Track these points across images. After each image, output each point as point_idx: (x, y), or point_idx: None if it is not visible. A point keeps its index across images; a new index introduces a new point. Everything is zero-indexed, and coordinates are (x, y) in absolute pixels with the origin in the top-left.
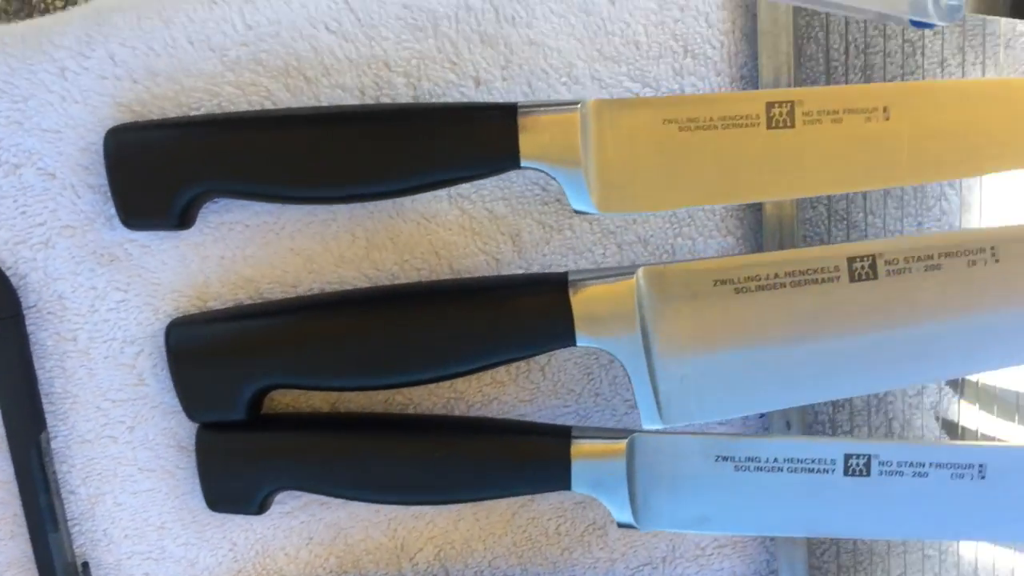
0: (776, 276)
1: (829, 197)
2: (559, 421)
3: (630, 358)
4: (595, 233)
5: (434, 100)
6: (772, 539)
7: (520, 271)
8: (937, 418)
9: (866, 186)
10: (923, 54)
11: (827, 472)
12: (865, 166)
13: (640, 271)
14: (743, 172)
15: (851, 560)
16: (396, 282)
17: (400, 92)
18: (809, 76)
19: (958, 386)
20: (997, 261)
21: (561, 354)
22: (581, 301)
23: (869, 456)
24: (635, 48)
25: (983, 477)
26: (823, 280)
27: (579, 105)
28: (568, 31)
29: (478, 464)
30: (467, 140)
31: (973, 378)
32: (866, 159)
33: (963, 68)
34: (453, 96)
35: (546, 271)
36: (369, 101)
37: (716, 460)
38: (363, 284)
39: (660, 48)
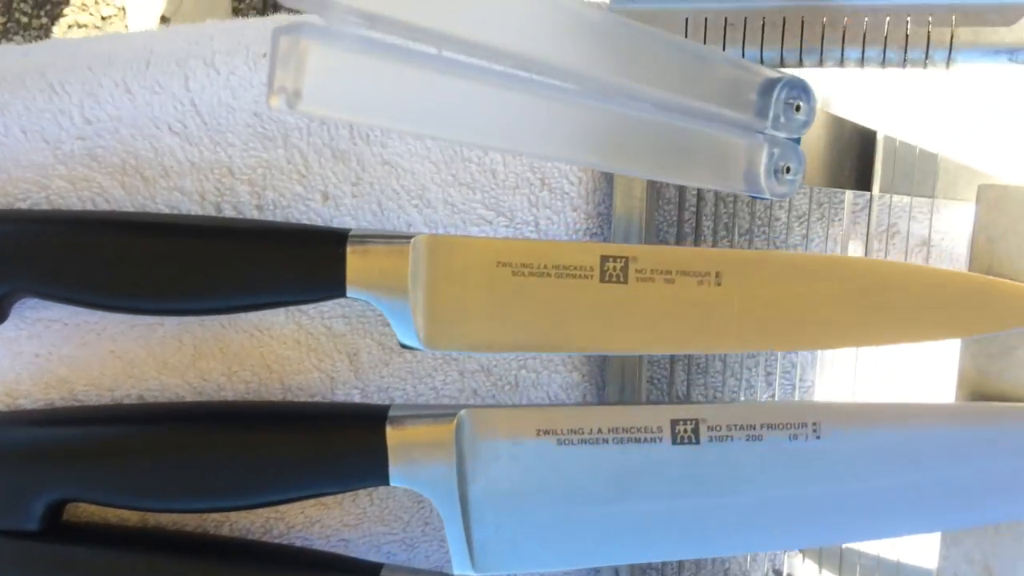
0: (599, 431)
1: (672, 369)
2: (384, 549)
3: (444, 503)
4: (436, 359)
5: (279, 210)
6: None
7: (356, 391)
8: (775, 571)
9: (695, 349)
10: (771, 214)
11: None
12: (695, 329)
13: (463, 412)
14: (573, 323)
15: None
16: (222, 393)
17: (243, 200)
18: (664, 220)
19: None
20: (818, 438)
21: None
22: (398, 439)
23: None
24: (491, 176)
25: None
26: (646, 440)
27: (412, 239)
28: (424, 154)
29: None
30: (293, 265)
31: None
32: (696, 323)
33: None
34: (299, 208)
35: (369, 403)
36: (209, 207)
37: None
38: (187, 393)
39: (517, 179)
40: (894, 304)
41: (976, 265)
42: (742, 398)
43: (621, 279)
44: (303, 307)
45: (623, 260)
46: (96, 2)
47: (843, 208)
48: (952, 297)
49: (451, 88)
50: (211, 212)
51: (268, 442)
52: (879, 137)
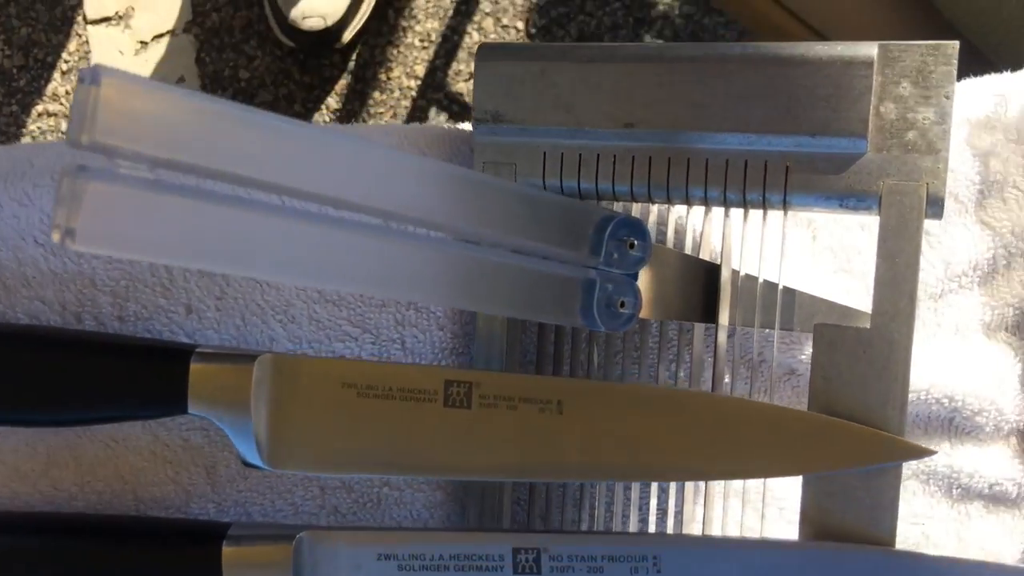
0: (441, 558)
1: (532, 495)
2: None
3: None
4: (295, 475)
5: (140, 322)
6: None
7: (212, 505)
8: None
9: (537, 478)
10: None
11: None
12: (536, 457)
13: (302, 534)
14: (418, 447)
15: None
16: (74, 503)
17: (104, 311)
18: (528, 341)
19: None
20: (659, 571)
21: None
22: (234, 559)
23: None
24: (359, 294)
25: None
26: (487, 568)
27: (257, 358)
28: (277, 283)
29: None
30: (136, 379)
31: None
32: (537, 450)
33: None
34: (161, 321)
35: (211, 520)
36: (70, 317)
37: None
38: (38, 502)
39: (384, 298)
40: (732, 440)
41: (815, 404)
42: (601, 522)
43: (465, 404)
44: (161, 419)
45: (467, 385)
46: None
47: (695, 340)
48: (790, 435)
49: (251, 225)
50: (72, 322)
51: (108, 556)
52: (724, 272)
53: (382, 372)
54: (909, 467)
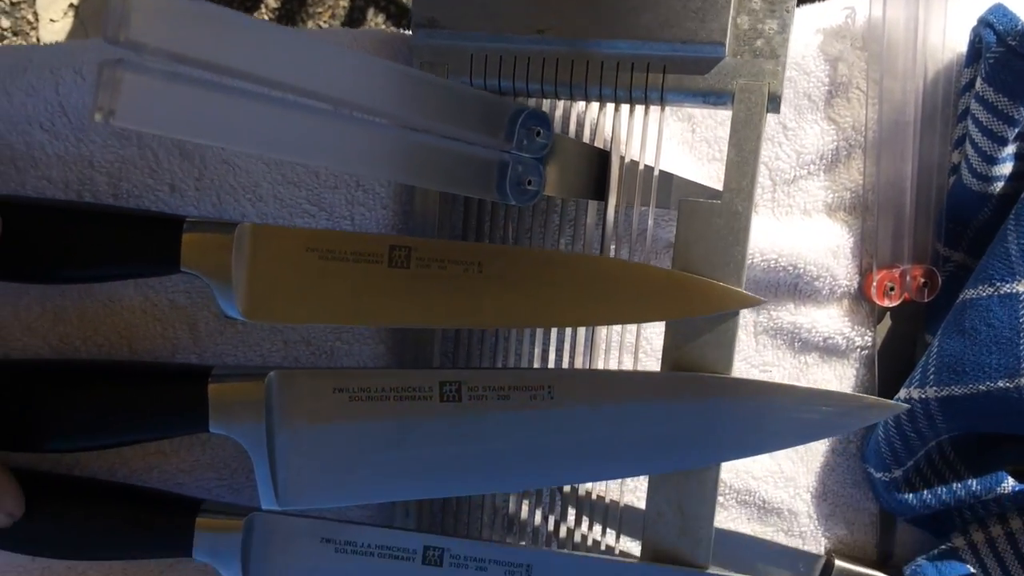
0: (382, 390)
1: (457, 336)
2: (214, 492)
3: (254, 448)
4: (264, 331)
5: (132, 199)
6: None
7: (194, 356)
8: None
9: (462, 325)
10: (534, 219)
11: (409, 560)
12: (460, 308)
13: (272, 373)
14: (367, 300)
15: None
16: (78, 355)
17: (101, 190)
18: (457, 218)
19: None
20: (552, 398)
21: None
22: (217, 393)
23: (443, 549)
24: (315, 177)
25: None
26: (419, 397)
27: (237, 226)
28: (257, 156)
29: (112, 528)
30: (136, 244)
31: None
32: (461, 303)
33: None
34: (149, 198)
35: (197, 364)
36: (72, 194)
37: (320, 541)
38: (47, 354)
39: (336, 180)
40: (613, 293)
41: (677, 265)
42: (511, 364)
43: (405, 265)
44: (150, 283)
45: (407, 249)
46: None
47: (590, 214)
48: (657, 289)
49: (255, 111)
50: (73, 199)
51: (111, 392)
52: (614, 157)
53: (339, 238)
54: (760, 324)
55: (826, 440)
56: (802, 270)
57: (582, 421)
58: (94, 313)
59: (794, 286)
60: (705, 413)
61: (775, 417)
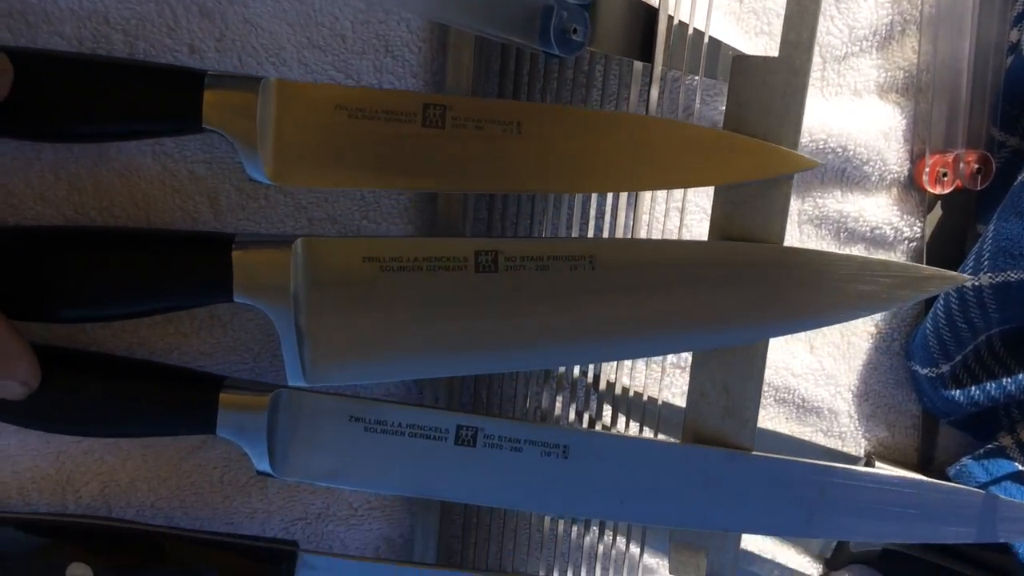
0: (414, 259)
1: (491, 207)
2: (235, 375)
3: (281, 320)
4: (288, 207)
5: (149, 59)
6: (413, 504)
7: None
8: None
9: (499, 189)
10: (575, 79)
11: (441, 440)
12: (498, 171)
13: (299, 241)
14: (398, 161)
15: (476, 533)
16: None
17: (116, 48)
18: (491, 88)
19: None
20: (593, 268)
21: (244, 314)
22: (242, 260)
23: (477, 429)
24: (341, 41)
25: (566, 457)
26: (453, 268)
27: (262, 81)
28: (281, 16)
29: (133, 402)
30: (151, 98)
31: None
32: (500, 165)
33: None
34: (167, 58)
35: (219, 231)
36: (86, 51)
37: (349, 420)
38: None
39: (364, 45)
40: (660, 155)
41: (728, 127)
42: (549, 231)
43: (440, 124)
44: (170, 151)
45: (442, 108)
46: None
47: (634, 78)
48: (707, 150)
49: None
50: None
51: (130, 258)
52: (662, 15)
53: (370, 96)
54: (805, 212)
55: (869, 337)
56: (851, 153)
57: (625, 293)
58: (110, 183)
59: (842, 171)
60: (755, 284)
61: (830, 288)
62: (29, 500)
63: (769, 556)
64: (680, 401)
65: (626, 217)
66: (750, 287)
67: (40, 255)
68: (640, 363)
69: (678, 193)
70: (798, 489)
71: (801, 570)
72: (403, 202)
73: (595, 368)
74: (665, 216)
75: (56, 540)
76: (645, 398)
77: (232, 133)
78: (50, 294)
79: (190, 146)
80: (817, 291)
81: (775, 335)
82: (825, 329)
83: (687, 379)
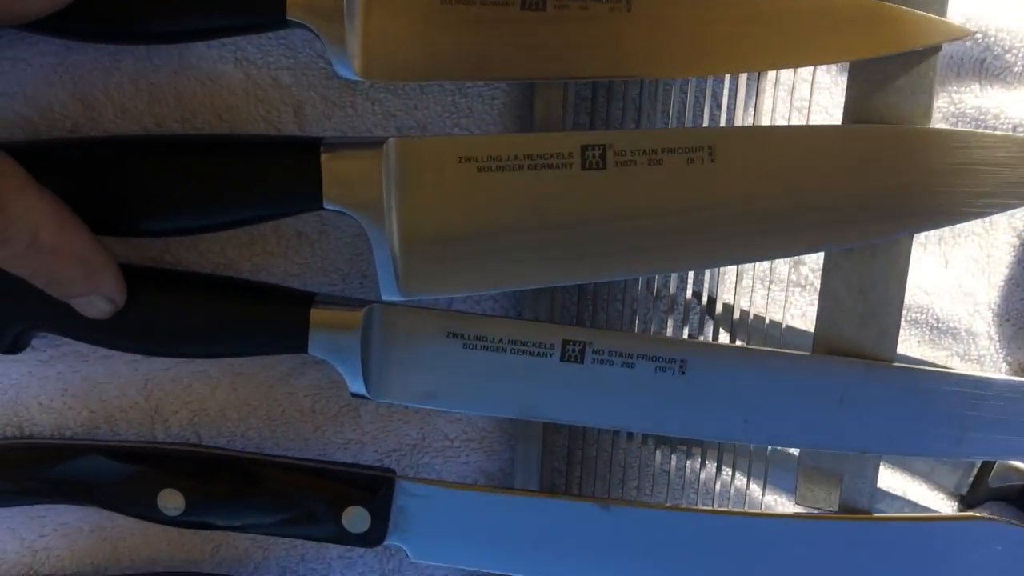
0: (516, 158)
1: (594, 105)
2: None
3: (373, 227)
4: (376, 115)
5: None
6: (513, 434)
7: None
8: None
9: (605, 74)
10: None
11: (546, 356)
12: (605, 53)
13: (390, 141)
14: (496, 50)
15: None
16: None
17: None
18: None
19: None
20: (713, 160)
21: (332, 232)
22: (331, 163)
23: (584, 343)
24: None
25: (683, 372)
26: (557, 166)
27: None
28: None
29: (222, 318)
30: None
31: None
32: (606, 47)
33: None
34: None
35: (306, 135)
36: None
37: (447, 336)
38: None
39: None
40: (785, 28)
41: None
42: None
43: (541, 6)
44: (252, 57)
45: None
46: None
47: None
48: (840, 20)
49: None
50: None
51: (215, 164)
52: None
53: None
54: (939, 110)
55: (1011, 249)
56: (992, 40)
57: (748, 184)
58: (191, 92)
59: (981, 61)
60: (897, 171)
61: (984, 174)
62: (117, 430)
63: (899, 492)
64: (801, 324)
65: (747, 102)
66: (892, 174)
67: (122, 165)
68: (758, 282)
69: (806, 71)
70: (947, 404)
71: (934, 507)
72: (497, 106)
73: (710, 287)
74: (791, 99)
75: (146, 467)
76: (767, 321)
77: (317, 24)
78: (133, 205)
79: (273, 52)
80: (967, 176)
81: (920, 229)
82: (963, 241)
83: (808, 298)
